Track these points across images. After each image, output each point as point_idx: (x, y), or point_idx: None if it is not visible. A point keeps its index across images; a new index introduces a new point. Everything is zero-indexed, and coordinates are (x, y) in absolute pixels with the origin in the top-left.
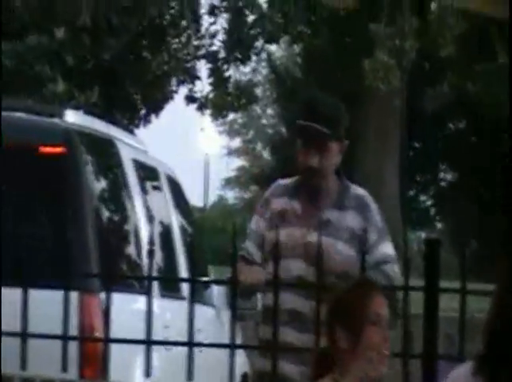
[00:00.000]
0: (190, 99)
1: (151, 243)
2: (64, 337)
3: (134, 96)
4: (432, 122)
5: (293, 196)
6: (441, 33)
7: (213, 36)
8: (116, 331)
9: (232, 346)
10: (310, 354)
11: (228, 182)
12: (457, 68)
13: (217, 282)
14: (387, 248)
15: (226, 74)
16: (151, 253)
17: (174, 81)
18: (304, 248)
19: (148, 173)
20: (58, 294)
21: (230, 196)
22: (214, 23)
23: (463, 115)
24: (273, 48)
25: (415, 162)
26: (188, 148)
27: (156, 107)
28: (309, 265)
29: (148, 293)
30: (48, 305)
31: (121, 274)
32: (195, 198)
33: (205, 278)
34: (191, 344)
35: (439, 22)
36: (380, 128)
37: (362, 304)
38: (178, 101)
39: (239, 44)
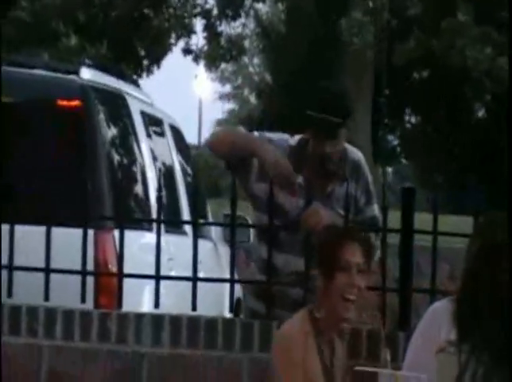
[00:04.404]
0: (187, 51)
1: (159, 189)
2: (83, 272)
3: (139, 49)
4: (399, 73)
5: (298, 166)
6: None
7: None
8: (127, 264)
9: (232, 280)
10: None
11: (219, 123)
12: (423, 25)
13: (216, 224)
14: (373, 211)
15: (219, 29)
16: (159, 199)
17: (173, 36)
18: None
19: (154, 123)
20: (75, 232)
21: None
22: None
23: (427, 67)
24: (260, 5)
25: (384, 107)
26: (185, 93)
27: (157, 59)
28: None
29: (157, 235)
30: (66, 242)
31: (132, 217)
32: (190, 138)
33: (206, 221)
34: (195, 278)
35: None
36: (354, 77)
37: (333, 251)
38: (176, 53)
39: (230, 3)
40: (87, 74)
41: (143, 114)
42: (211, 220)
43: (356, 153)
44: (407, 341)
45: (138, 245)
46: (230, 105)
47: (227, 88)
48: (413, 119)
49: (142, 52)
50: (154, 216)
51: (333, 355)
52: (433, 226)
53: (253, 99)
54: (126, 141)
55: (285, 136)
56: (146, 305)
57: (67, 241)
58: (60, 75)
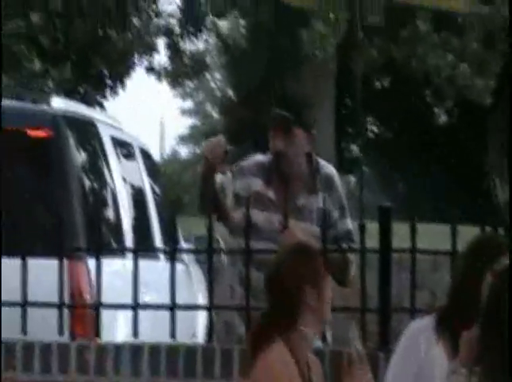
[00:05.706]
0: (150, 70)
1: (136, 219)
2: (60, 305)
3: (102, 70)
4: (361, 82)
5: (268, 180)
6: (369, 3)
7: (170, 15)
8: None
9: (210, 308)
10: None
11: (182, 139)
12: (383, 34)
13: (194, 251)
14: (348, 225)
15: (181, 47)
16: (135, 229)
17: (136, 56)
18: (282, 234)
19: (124, 148)
20: (47, 262)
21: (184, 152)
22: (170, 3)
23: (388, 76)
24: (221, 21)
25: (346, 117)
26: (148, 111)
27: (121, 79)
28: None
29: (134, 265)
30: (39, 273)
31: (107, 246)
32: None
33: (183, 248)
34: (173, 306)
35: None
36: (316, 89)
37: (318, 264)
38: (139, 73)
39: (192, 20)
40: (57, 103)
41: (113, 139)
42: (182, 240)
43: (329, 167)
44: (387, 361)
45: (110, 272)
46: (192, 121)
47: (190, 104)
48: (375, 128)
49: (106, 73)
50: (127, 241)
51: (310, 372)
52: (412, 245)
53: (215, 114)
54: (97, 168)
55: (256, 157)
56: (122, 334)
57: (40, 272)
58: (31, 104)
